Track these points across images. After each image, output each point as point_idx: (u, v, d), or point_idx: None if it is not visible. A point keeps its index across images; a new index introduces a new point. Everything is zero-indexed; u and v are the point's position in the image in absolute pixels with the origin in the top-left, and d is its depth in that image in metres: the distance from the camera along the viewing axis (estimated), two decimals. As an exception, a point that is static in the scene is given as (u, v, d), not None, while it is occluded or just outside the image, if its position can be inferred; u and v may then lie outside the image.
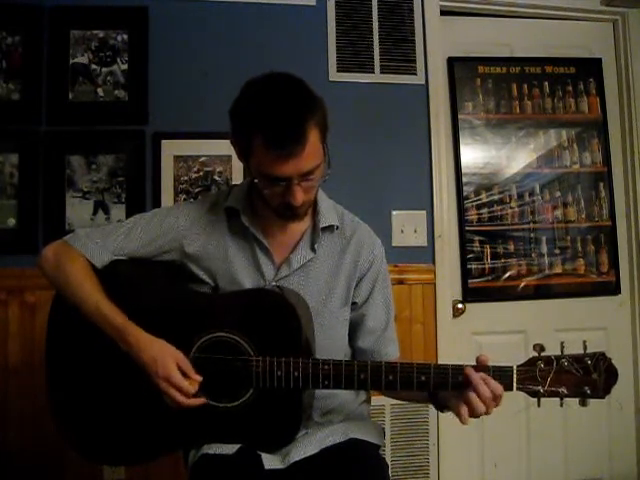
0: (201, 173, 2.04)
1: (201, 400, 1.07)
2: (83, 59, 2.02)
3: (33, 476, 1.87)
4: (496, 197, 2.27)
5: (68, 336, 1.19)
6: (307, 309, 1.15)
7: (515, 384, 1.00)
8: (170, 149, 2.02)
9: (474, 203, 2.26)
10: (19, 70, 1.97)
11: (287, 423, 1.10)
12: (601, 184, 2.33)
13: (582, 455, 2.27)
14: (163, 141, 2.01)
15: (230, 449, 1.11)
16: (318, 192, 1.20)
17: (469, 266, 2.23)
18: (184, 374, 1.06)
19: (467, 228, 2.24)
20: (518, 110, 2.31)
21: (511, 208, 2.27)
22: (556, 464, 2.26)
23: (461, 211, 2.23)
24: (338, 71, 2.13)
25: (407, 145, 2.17)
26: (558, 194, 2.31)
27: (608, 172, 2.33)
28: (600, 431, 2.28)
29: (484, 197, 2.27)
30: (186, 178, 2.03)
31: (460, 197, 2.24)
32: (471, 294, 2.22)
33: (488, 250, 2.25)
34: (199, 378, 1.07)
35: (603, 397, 1.00)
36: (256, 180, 1.10)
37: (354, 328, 1.24)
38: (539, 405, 1.01)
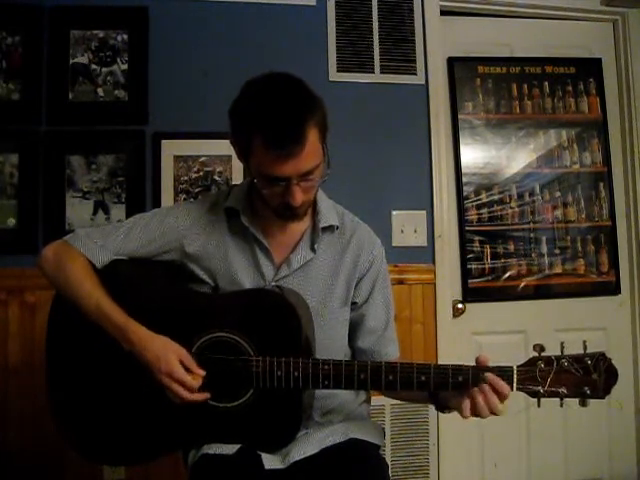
0: (201, 173, 2.04)
1: (205, 395, 1.07)
2: (83, 59, 2.02)
3: (33, 476, 1.87)
4: (496, 197, 2.27)
5: (68, 336, 1.19)
6: (307, 309, 1.15)
7: (515, 384, 1.00)
8: (170, 149, 2.02)
9: (474, 203, 2.26)
10: (19, 70, 1.97)
11: (287, 423, 1.10)
12: (601, 184, 2.33)
13: (582, 455, 2.27)
14: (163, 141, 2.01)
15: (230, 449, 1.11)
16: (318, 192, 1.20)
17: (469, 266, 2.23)
18: (187, 369, 1.06)
19: (467, 228, 2.24)
20: (518, 110, 2.31)
21: (511, 208, 2.27)
22: (556, 464, 2.26)
23: (461, 211, 2.23)
24: (338, 71, 2.13)
25: (407, 145, 2.17)
26: (558, 194, 2.31)
27: (608, 172, 2.33)
28: (600, 431, 2.28)
29: (484, 197, 2.27)
30: (186, 178, 2.03)
31: (460, 197, 2.24)
32: (471, 294, 2.22)
33: (488, 250, 2.25)
34: (202, 372, 1.07)
35: (603, 397, 1.00)
36: (255, 180, 1.10)
37: (354, 328, 1.24)
38: (539, 405, 1.01)
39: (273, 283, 1.17)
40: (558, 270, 2.27)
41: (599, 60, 2.36)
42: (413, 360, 1.07)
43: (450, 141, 2.24)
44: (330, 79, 2.12)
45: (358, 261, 1.22)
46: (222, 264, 1.18)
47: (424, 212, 2.16)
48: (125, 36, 2.03)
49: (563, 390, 0.99)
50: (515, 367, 1.01)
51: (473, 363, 1.03)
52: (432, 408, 1.15)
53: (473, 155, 2.27)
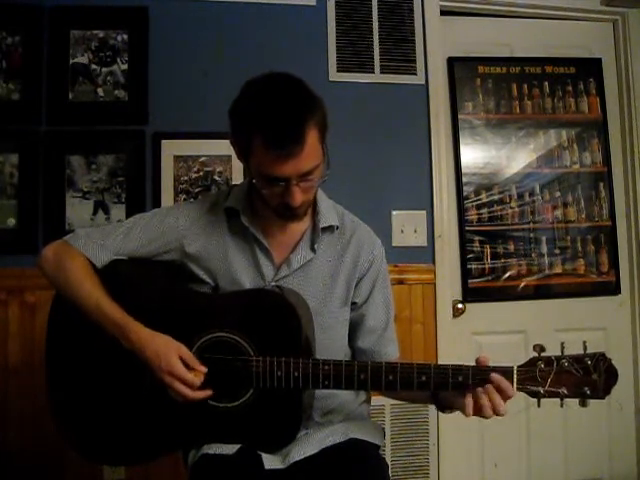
0: (201, 173, 2.04)
1: (207, 392, 1.07)
2: (83, 59, 2.02)
3: (33, 476, 1.87)
4: (496, 197, 2.27)
5: (68, 336, 1.19)
6: (307, 309, 1.15)
7: (515, 384, 1.00)
8: (170, 149, 2.02)
9: (474, 203, 2.26)
10: (19, 70, 1.97)
11: (287, 423, 1.10)
12: (601, 184, 2.33)
13: (582, 455, 2.27)
14: (163, 141, 2.01)
15: (230, 449, 1.11)
16: (318, 192, 1.20)
17: (469, 266, 2.23)
18: (188, 367, 1.06)
19: (467, 228, 2.24)
20: (518, 110, 2.31)
21: (511, 208, 2.27)
22: (556, 464, 2.26)
23: (461, 211, 2.23)
24: (338, 71, 2.13)
25: (407, 145, 2.17)
26: (558, 194, 2.31)
27: (608, 172, 2.33)
28: (600, 431, 2.28)
29: (484, 197, 2.27)
30: (186, 178, 2.03)
31: (460, 197, 2.24)
32: (471, 294, 2.22)
33: (488, 250, 2.25)
34: (204, 369, 1.07)
35: (603, 397, 1.00)
36: (255, 180, 1.10)
37: (354, 328, 1.24)
38: (539, 405, 1.01)
39: (273, 283, 1.17)
40: (558, 270, 2.27)
41: (599, 60, 2.36)
42: (413, 360, 1.07)
43: (450, 141, 2.24)
44: (330, 79, 2.12)
45: (358, 261, 1.22)
46: (222, 264, 1.18)
47: (424, 212, 2.16)
48: (125, 36, 2.03)
49: (563, 390, 0.99)
50: (515, 367, 1.01)
51: (473, 363, 1.03)
52: (432, 408, 1.15)
53: (473, 155, 2.27)
